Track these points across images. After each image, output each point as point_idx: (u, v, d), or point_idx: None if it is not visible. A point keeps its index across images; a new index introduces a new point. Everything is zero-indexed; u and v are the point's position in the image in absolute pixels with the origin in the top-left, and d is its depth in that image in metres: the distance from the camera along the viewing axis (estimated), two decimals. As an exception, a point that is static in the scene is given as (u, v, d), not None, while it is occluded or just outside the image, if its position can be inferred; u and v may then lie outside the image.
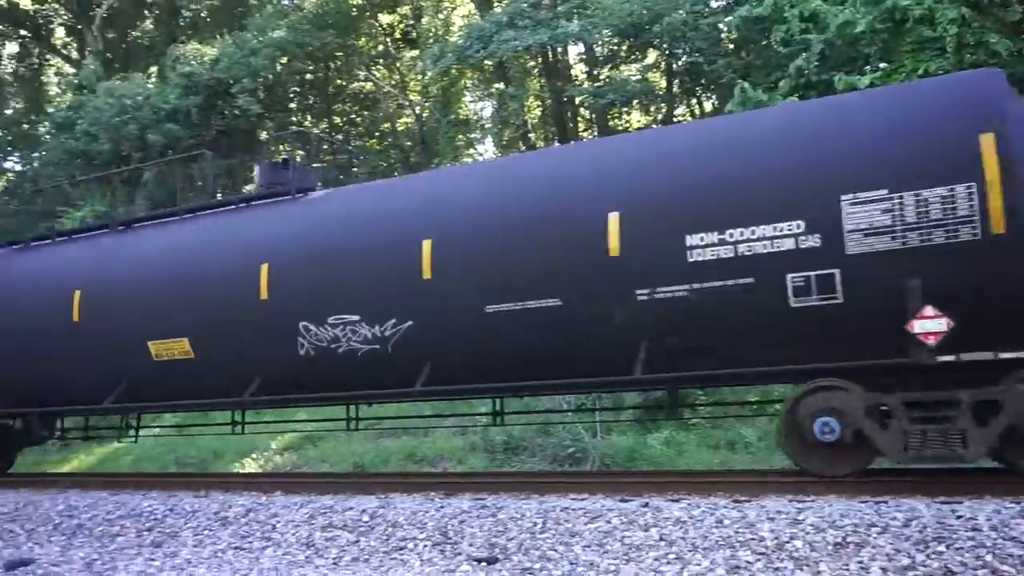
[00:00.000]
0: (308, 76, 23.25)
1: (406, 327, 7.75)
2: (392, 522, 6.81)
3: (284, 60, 21.00)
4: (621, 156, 7.43)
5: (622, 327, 6.90)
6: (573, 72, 21.61)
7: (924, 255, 5.86)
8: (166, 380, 9.20)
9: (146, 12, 29.65)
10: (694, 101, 20.01)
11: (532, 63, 20.82)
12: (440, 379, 7.74)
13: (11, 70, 31.60)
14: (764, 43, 14.19)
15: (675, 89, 19.13)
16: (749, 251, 6.37)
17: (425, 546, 6.37)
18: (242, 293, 8.47)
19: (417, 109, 23.21)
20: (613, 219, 6.86)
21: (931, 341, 5.82)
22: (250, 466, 13.35)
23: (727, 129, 7.32)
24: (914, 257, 5.89)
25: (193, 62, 21.01)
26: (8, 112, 29.83)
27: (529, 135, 21.16)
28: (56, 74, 31.96)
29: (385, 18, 24.38)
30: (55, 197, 22.95)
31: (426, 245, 7.59)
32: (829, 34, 11.29)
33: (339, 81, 24.66)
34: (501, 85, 20.93)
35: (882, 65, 11.38)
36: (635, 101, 18.25)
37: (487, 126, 22.56)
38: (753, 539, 5.31)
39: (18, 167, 30.62)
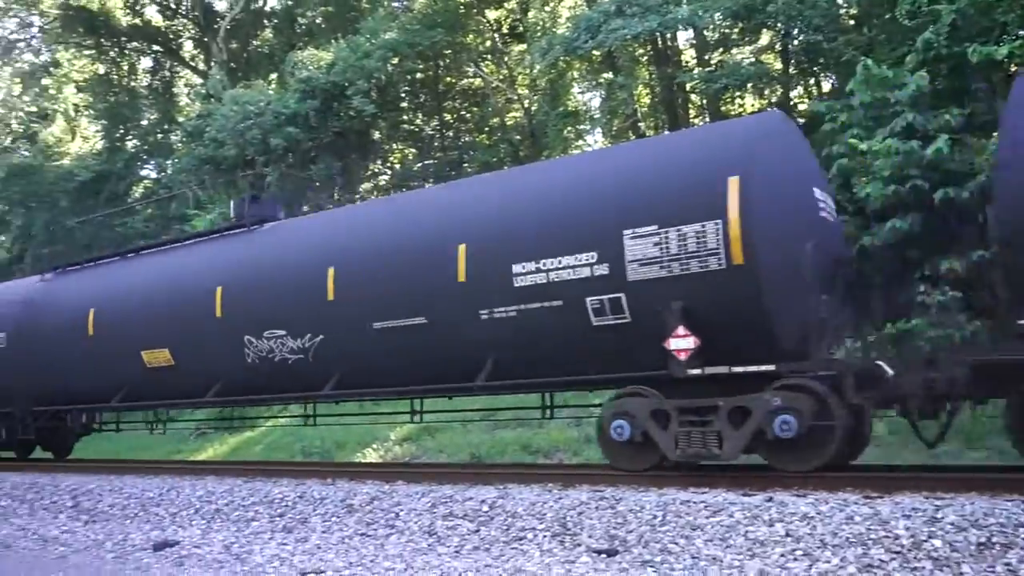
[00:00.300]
0: (418, 75, 23.71)
1: (319, 340, 9.26)
2: (511, 512, 6.87)
3: (395, 61, 21.48)
4: (468, 197, 9.00)
5: (471, 342, 8.10)
6: (683, 58, 21.18)
7: (683, 282, 6.88)
8: (156, 383, 11.08)
9: (265, 22, 30.97)
10: (811, 82, 19.25)
11: (641, 51, 20.52)
12: (348, 384, 9.28)
13: (146, 83, 33.70)
14: (888, 16, 13.46)
15: (791, 70, 18.44)
16: (558, 278, 7.47)
17: (544, 536, 6.40)
18: (204, 311, 10.18)
19: (526, 103, 23.31)
20: (461, 250, 8.09)
21: (682, 357, 6.87)
22: (371, 456, 13.76)
23: (542, 174, 9.05)
24: (676, 283, 6.92)
25: (310, 67, 21.82)
26: (144, 123, 31.80)
27: (639, 124, 20.88)
28: (185, 85, 33.87)
29: (492, 14, 24.55)
30: (187, 201, 24.38)
31: (330, 272, 9.09)
32: (961, 3, 10.60)
33: (448, 78, 25.04)
34: (609, 75, 20.73)
35: (1021, 33, 10.59)
36: (749, 85, 17.71)
37: (596, 117, 22.41)
38: (887, 537, 5.07)
39: (153, 174, 32.71)
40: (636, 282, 7.08)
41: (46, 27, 31.68)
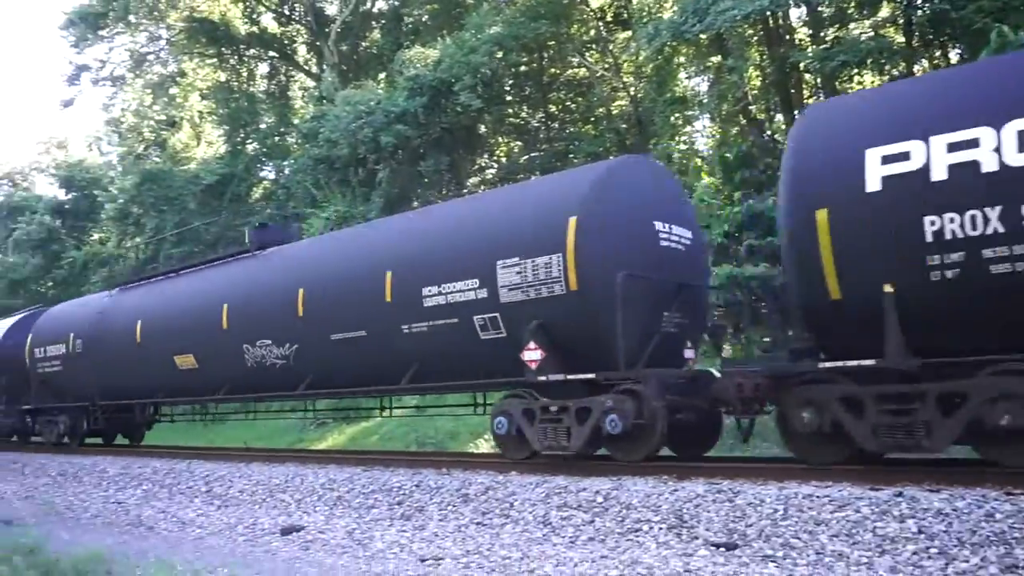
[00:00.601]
0: (523, 68, 23.76)
1: (295, 349, 11.11)
2: (626, 504, 6.82)
3: (500, 54, 21.58)
4: (395, 233, 10.76)
5: (398, 351, 9.71)
6: (796, 36, 20.38)
7: (539, 304, 8.33)
8: (186, 382, 13.19)
9: (373, 23, 31.74)
10: (937, 54, 18.17)
11: (751, 31, 19.88)
12: (316, 384, 11.13)
13: (263, 89, 35.19)
14: (1023, -21, 12.56)
15: (914, 43, 17.46)
16: (454, 299, 9.02)
17: (660, 528, 6.32)
18: (215, 323, 12.17)
19: (632, 91, 23.01)
20: (388, 276, 9.71)
21: (533, 366, 8.34)
22: (483, 446, 13.93)
23: (446, 211, 11.16)
24: (534, 305, 8.36)
25: (417, 65, 22.23)
26: (262, 127, 33.21)
27: (750, 108, 20.25)
28: (300, 88, 35.16)
29: (596, 2, 24.32)
30: (304, 200, 25.32)
31: (300, 292, 10.92)
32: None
33: (553, 69, 24.99)
34: (718, 58, 20.19)
35: None
36: (868, 61, 16.85)
37: (704, 102, 21.85)
38: (1034, 536, 4.75)
39: (271, 175, 34.14)
40: (507, 304, 8.58)
41: (172, 39, 33.52)
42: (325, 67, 30.03)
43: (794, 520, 5.74)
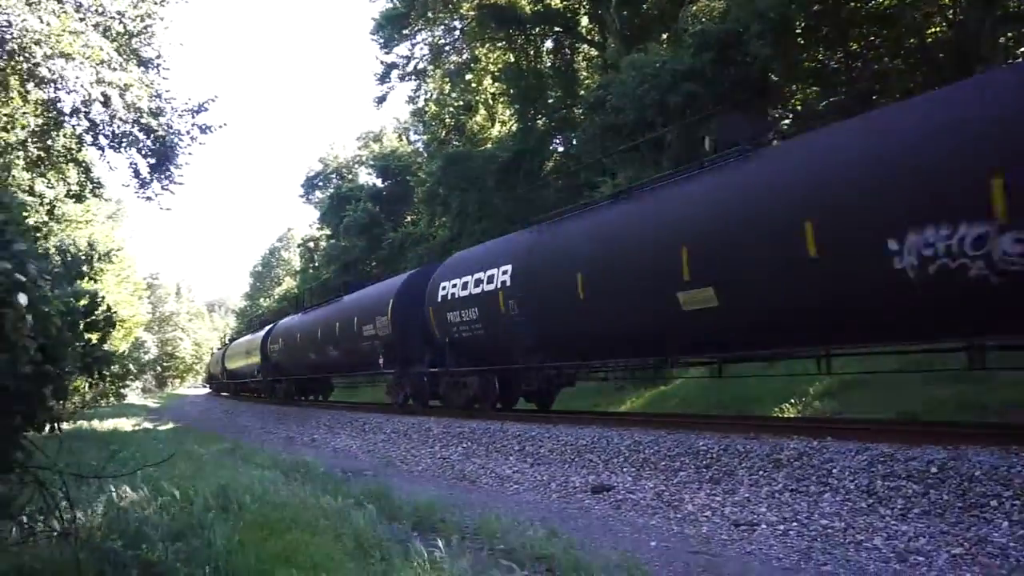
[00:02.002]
0: (816, 7, 21.93)
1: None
2: (966, 475, 6.10)
3: (790, -5, 20.10)
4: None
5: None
6: None
7: (381, 337, 18.52)
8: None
9: (654, -17, 31.17)
10: None
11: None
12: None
13: (549, 65, 36.21)
14: None
15: None
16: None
17: (1014, 505, 5.56)
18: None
19: (949, 14, 20.29)
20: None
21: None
22: (788, 411, 13.28)
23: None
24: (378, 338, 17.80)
25: (702, 20, 21.45)
26: (550, 101, 34.24)
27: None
28: (584, 60, 35.68)
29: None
30: (593, 170, 25.73)
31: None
32: None
33: (852, 2, 22.79)
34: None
35: None
36: None
37: (1043, 15, 18.60)
38: None
39: (560, 148, 35.15)
40: None
41: (466, 28, 35.69)
42: (608, 35, 30.14)
43: None
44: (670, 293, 9.86)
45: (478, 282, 14.34)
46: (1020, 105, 6.60)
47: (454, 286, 15.13)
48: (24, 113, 16.09)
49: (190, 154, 17.29)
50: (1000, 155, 6.53)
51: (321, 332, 23.44)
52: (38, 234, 16.38)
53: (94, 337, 5.04)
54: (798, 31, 21.69)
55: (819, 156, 8.51)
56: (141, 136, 16.46)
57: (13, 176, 17.22)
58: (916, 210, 7.11)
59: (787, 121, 24.44)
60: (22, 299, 3.47)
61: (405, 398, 18.80)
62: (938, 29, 20.62)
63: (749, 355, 10.38)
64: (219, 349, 60.16)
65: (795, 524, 6.29)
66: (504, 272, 13.64)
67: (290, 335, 27.68)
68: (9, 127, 16.12)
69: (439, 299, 15.51)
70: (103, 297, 5.68)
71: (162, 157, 16.89)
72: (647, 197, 11.37)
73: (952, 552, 5.23)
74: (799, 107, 24.39)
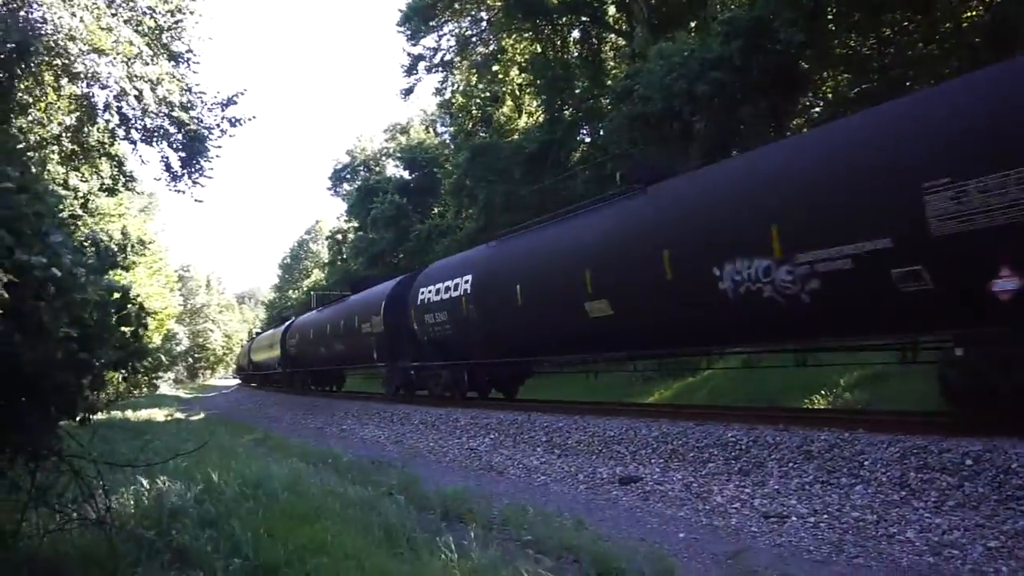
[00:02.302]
0: (848, -8, 21.55)
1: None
2: (1003, 468, 5.99)
3: (823, -19, 19.81)
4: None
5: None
6: None
7: (376, 335, 21.02)
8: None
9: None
10: None
11: None
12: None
13: (576, 55, 36.04)
14: None
15: None
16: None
17: (1052, 499, 5.46)
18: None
19: (986, -2, 19.84)
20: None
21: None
22: (819, 403, 13.14)
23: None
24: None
25: (732, 7, 21.19)
26: (577, 92, 34.07)
27: None
28: (611, 50, 35.45)
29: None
30: (621, 162, 25.59)
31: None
32: None
33: (886, -11, 22.35)
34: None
35: None
36: None
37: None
38: None
39: (587, 139, 34.97)
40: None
41: (492, 19, 35.61)
42: (635, 24, 29.91)
43: None
44: (580, 304, 12.24)
45: (447, 288, 16.76)
46: (789, 171, 8.96)
47: (430, 291, 17.51)
48: (58, 109, 16.33)
49: (219, 147, 17.47)
50: (774, 211, 8.84)
51: (330, 328, 25.98)
52: (72, 227, 16.67)
53: (128, 331, 5.11)
54: (829, 16, 21.39)
55: (672, 200, 11.01)
56: (172, 130, 16.64)
57: (48, 170, 17.50)
58: (730, 247, 9.40)
59: (818, 109, 24.13)
60: (55, 290, 3.53)
61: (397, 388, 21.08)
62: (974, 13, 20.19)
63: (646, 354, 12.85)
64: (247, 342, 61.76)
65: (826, 516, 6.22)
66: (466, 281, 16.08)
67: (305, 331, 30.62)
68: (45, 122, 16.37)
69: (419, 302, 17.91)
70: (137, 295, 5.76)
71: (192, 150, 17.07)
72: (567, 223, 13.82)
73: (988, 545, 5.15)
74: (830, 94, 24.06)
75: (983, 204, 6.65)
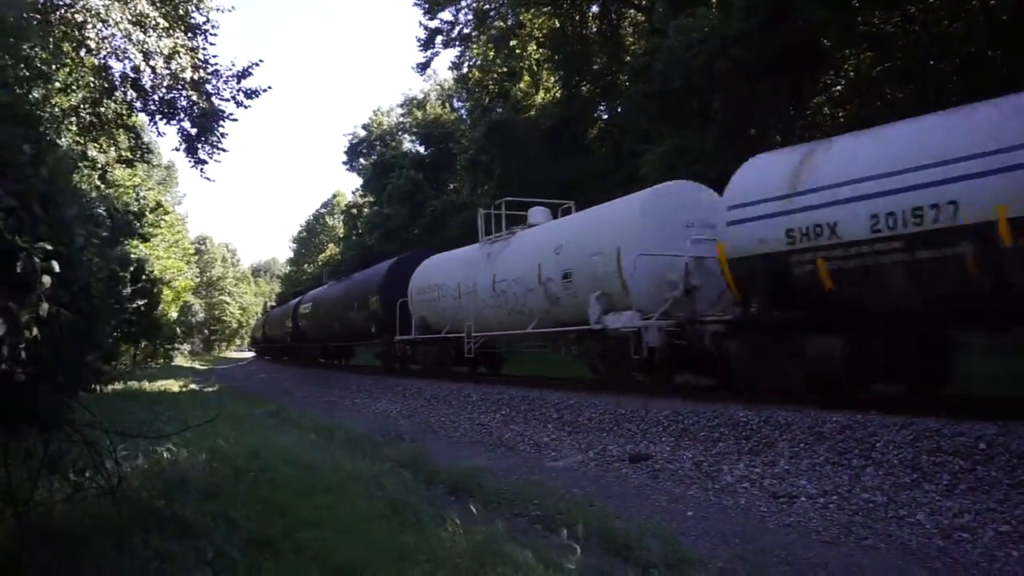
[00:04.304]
0: (874, -33, 21.13)
1: None
2: (1016, 452, 5.93)
3: (846, -44, 19.41)
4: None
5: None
6: None
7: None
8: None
9: (704, -54, 30.29)
10: None
11: None
12: None
13: (595, 30, 35.64)
14: None
15: None
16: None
17: (1066, 484, 5.40)
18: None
19: (1013, -25, 19.37)
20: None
21: None
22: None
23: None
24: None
25: (753, -19, 20.76)
26: (595, 68, 33.74)
27: None
28: (629, 25, 35.03)
29: None
30: (637, 137, 25.37)
31: None
32: None
33: (912, -37, 21.91)
34: None
35: None
36: None
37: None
38: None
39: (605, 116, 34.68)
40: None
41: (511, -8, 35.26)
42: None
43: None
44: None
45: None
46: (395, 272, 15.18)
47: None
48: (76, 79, 16.31)
49: (235, 119, 17.43)
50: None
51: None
52: (86, 199, 16.72)
53: (141, 303, 5.11)
54: (853, -7, 20.98)
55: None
56: (188, 101, 16.62)
57: (66, 142, 17.53)
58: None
59: (838, 88, 23.78)
60: (56, 267, 3.52)
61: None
62: (1002, -9, 19.74)
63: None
64: (262, 315, 62.47)
65: (835, 497, 6.19)
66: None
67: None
68: (64, 93, 16.36)
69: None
70: (152, 271, 5.77)
71: (208, 123, 17.05)
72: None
73: (999, 530, 5.11)
74: (852, 73, 23.69)
75: None
